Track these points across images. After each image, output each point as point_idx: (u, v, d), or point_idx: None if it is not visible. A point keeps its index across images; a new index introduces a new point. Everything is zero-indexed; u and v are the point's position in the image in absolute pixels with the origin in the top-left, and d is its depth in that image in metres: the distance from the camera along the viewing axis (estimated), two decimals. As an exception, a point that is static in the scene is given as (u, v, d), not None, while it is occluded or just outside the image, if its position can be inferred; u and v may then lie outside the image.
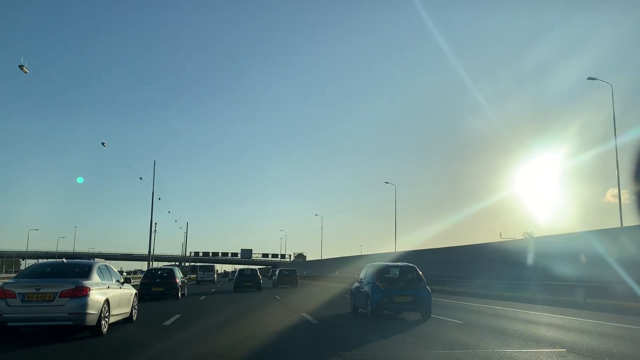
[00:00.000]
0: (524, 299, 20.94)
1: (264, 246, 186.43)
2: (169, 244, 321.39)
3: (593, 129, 68.97)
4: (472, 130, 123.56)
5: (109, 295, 9.70)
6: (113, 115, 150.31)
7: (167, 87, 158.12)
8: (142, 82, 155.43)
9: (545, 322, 12.22)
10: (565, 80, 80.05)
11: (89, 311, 8.78)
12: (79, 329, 9.26)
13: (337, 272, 60.07)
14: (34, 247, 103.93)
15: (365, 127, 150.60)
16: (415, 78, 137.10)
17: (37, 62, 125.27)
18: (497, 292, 24.26)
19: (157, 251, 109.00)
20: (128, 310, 11.21)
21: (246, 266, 57.19)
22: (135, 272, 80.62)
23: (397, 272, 13.41)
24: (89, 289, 8.90)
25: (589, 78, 29.95)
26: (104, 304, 9.28)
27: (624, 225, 24.99)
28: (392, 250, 51.22)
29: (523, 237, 53.33)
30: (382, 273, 12.95)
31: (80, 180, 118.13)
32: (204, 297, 23.42)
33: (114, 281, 10.50)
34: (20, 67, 19.54)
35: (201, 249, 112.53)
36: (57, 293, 8.58)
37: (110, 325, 9.78)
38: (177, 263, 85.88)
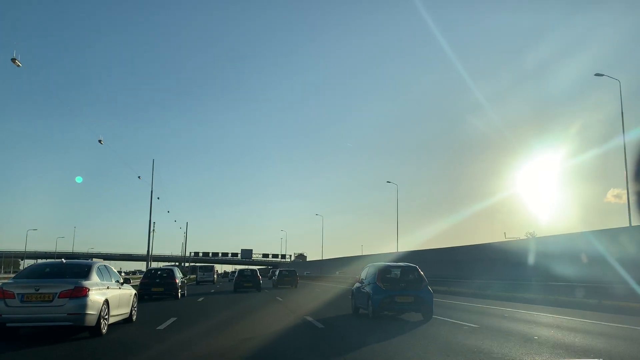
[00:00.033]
0: (531, 300, 20.58)
1: (264, 246, 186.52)
2: (169, 244, 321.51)
3: (593, 128, 68.99)
4: (473, 130, 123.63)
5: (109, 295, 9.65)
6: (113, 115, 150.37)
7: (167, 87, 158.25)
8: (142, 82, 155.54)
9: (567, 326, 11.43)
10: (566, 80, 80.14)
11: (89, 312, 8.74)
12: (78, 330, 9.20)
13: (337, 273, 60.01)
14: (33, 247, 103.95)
15: (365, 127, 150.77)
16: (415, 78, 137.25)
17: (37, 62, 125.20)
18: (501, 292, 23.97)
19: (157, 251, 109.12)
20: (128, 310, 11.16)
21: (246, 266, 57.14)
22: (134, 272, 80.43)
23: (398, 272, 13.34)
24: (89, 290, 8.85)
25: (597, 74, 29.48)
26: (103, 305, 9.23)
27: (633, 224, 24.88)
28: (393, 250, 51.21)
29: (526, 237, 53.23)
30: (384, 273, 12.88)
31: (79, 179, 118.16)
32: (202, 298, 22.94)
33: (114, 281, 10.45)
34: (13, 60, 19.20)
35: (201, 249, 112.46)
36: (57, 293, 8.54)
37: (110, 325, 9.73)
38: (177, 263, 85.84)
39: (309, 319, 12.82)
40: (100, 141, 31.57)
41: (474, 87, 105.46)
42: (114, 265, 18.08)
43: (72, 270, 9.59)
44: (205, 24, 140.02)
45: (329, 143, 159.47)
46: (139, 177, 41.18)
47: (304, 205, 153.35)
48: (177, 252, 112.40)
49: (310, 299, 22.46)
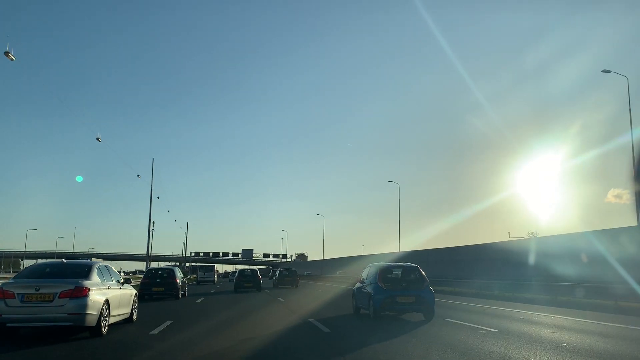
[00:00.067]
0: (536, 300, 20.22)
1: (265, 246, 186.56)
2: (169, 244, 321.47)
3: (594, 128, 68.90)
4: (473, 130, 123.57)
5: (109, 295, 9.63)
6: (113, 115, 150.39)
7: (167, 87, 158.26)
8: (142, 82, 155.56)
9: (595, 330, 10.64)
10: (566, 80, 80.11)
11: (89, 312, 8.71)
12: (79, 330, 9.18)
13: (337, 273, 60.01)
14: (33, 247, 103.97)
15: (366, 126, 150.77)
16: (415, 78, 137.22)
17: (37, 62, 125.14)
18: (504, 292, 23.75)
19: (158, 251, 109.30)
20: (128, 310, 11.14)
21: (246, 266, 57.11)
22: (134, 272, 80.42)
23: (399, 272, 13.31)
24: (89, 290, 8.83)
25: (604, 71, 29.06)
26: (103, 305, 9.21)
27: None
28: (394, 250, 51.16)
29: (527, 237, 53.17)
30: (385, 273, 12.85)
31: (79, 179, 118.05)
32: (201, 298, 22.24)
33: (114, 281, 10.43)
34: (6, 53, 18.97)
35: (202, 249, 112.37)
36: (57, 293, 8.51)
37: (110, 325, 9.71)
38: (178, 263, 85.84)
39: (310, 319, 12.77)
40: (98, 139, 31.30)
41: (474, 87, 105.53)
42: (114, 265, 18.02)
43: (73, 270, 9.57)
44: (205, 24, 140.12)
45: (330, 143, 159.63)
46: (138, 175, 41.21)
47: (305, 205, 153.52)
48: (178, 252, 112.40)
49: (310, 299, 22.42)
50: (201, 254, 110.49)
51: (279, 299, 22.13)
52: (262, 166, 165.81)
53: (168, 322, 11.55)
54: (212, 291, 29.20)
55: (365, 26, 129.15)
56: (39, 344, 8.44)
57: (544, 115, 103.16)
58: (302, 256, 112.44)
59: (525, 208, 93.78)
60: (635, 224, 25.05)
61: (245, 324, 11.72)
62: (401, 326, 11.15)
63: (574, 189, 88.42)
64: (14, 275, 12.99)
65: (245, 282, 30.48)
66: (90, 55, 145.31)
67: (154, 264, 68.52)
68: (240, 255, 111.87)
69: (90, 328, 8.94)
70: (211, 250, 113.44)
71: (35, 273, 9.57)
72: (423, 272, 13.05)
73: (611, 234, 22.23)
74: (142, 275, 26.46)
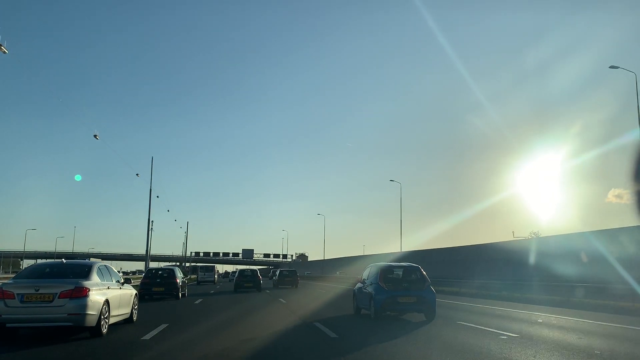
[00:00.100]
0: (554, 302, 19.31)
1: (265, 246, 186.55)
2: (170, 244, 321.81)
3: (594, 128, 68.93)
4: (474, 130, 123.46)
5: (109, 295, 9.59)
6: (113, 115, 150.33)
7: (168, 87, 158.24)
8: (143, 82, 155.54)
9: (622, 335, 10.11)
10: (566, 80, 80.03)
11: (89, 312, 8.68)
12: (79, 330, 9.14)
13: (337, 273, 59.96)
14: (33, 247, 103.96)
15: (366, 127, 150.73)
16: (416, 78, 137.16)
17: (37, 62, 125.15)
18: (515, 293, 23.23)
19: (158, 251, 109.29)
20: (128, 310, 11.10)
21: (247, 267, 57.07)
22: (134, 272, 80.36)
23: (400, 272, 13.27)
24: (89, 290, 8.80)
25: (611, 67, 28.53)
26: (103, 305, 9.18)
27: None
28: (394, 250, 51.08)
29: (529, 237, 53.11)
30: (386, 273, 12.80)
31: (78, 178, 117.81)
32: (200, 300, 21.25)
33: (114, 281, 10.40)
34: None
35: (202, 249, 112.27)
36: (57, 294, 8.48)
37: (110, 326, 9.68)
38: (178, 263, 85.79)
39: (310, 319, 12.75)
40: (95, 136, 31.11)
41: (475, 87, 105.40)
42: (114, 265, 17.89)
43: (73, 270, 9.54)
44: (205, 24, 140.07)
45: (330, 143, 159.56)
46: (137, 174, 41.17)
47: (306, 205, 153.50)
48: (178, 252, 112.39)
49: (310, 299, 22.38)
50: (201, 254, 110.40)
51: (280, 299, 22.07)
52: (262, 166, 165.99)
53: (162, 326, 10.79)
54: (212, 292, 29.05)
55: (365, 26, 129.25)
56: (39, 345, 8.42)
57: (545, 115, 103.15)
58: (302, 256, 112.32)
59: (526, 208, 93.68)
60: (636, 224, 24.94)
61: (245, 325, 11.65)
62: (406, 327, 11.09)
63: (574, 189, 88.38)
64: (13, 275, 12.92)
65: (245, 282, 30.46)
66: (90, 55, 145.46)
67: (154, 264, 68.46)
68: (240, 255, 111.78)
69: (90, 328, 8.91)
70: (211, 250, 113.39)
71: (35, 273, 9.54)
72: (424, 272, 13.00)
73: (611, 234, 22.17)
74: (142, 275, 26.42)
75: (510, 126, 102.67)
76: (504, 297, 22.51)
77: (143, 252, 41.95)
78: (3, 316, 8.33)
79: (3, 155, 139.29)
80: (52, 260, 13.95)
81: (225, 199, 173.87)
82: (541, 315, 14.04)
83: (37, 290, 8.49)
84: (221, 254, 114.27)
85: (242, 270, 33.21)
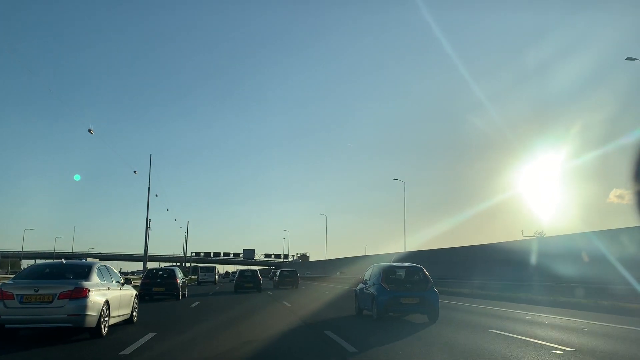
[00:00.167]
0: (575, 305, 18.31)
1: (267, 246, 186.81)
2: (171, 244, 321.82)
3: (594, 129, 68.81)
4: (474, 130, 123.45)
5: (109, 296, 9.52)
6: (113, 115, 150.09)
7: (168, 87, 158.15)
8: (143, 83, 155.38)
9: None
10: (566, 80, 79.91)
11: (89, 313, 8.61)
12: (79, 331, 9.05)
13: (337, 273, 59.86)
14: (32, 247, 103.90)
15: (367, 127, 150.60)
16: (416, 78, 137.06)
17: (37, 62, 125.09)
18: (520, 294, 22.77)
19: (158, 251, 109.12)
20: (128, 311, 11.02)
21: (247, 267, 56.98)
22: (132, 272, 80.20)
23: (403, 273, 13.18)
24: (89, 290, 8.73)
25: (628, 58, 27.93)
26: (103, 306, 9.10)
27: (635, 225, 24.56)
28: (397, 250, 50.92)
29: (534, 237, 52.97)
30: (388, 274, 12.70)
31: (77, 177, 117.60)
32: (197, 302, 19.61)
33: (114, 282, 10.32)
34: None
35: (203, 249, 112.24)
36: (56, 294, 8.41)
37: (110, 326, 9.60)
38: (178, 263, 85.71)
39: (312, 320, 12.68)
40: (90, 131, 30.72)
41: (475, 87, 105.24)
42: (114, 266, 17.69)
43: (72, 270, 9.47)
44: (206, 25, 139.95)
45: (331, 143, 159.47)
46: (134, 171, 41.01)
47: (307, 205, 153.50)
48: (179, 252, 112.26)
49: (311, 300, 22.31)
50: (202, 254, 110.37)
51: (280, 300, 21.98)
52: (263, 166, 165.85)
53: (150, 335, 9.40)
54: (210, 293, 28.40)
55: (366, 26, 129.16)
56: (39, 345, 8.34)
57: (545, 115, 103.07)
58: (303, 256, 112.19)
59: (527, 208, 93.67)
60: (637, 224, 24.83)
61: (245, 326, 11.57)
62: (410, 327, 11.01)
63: (575, 189, 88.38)
64: (13, 275, 12.82)
65: (245, 283, 30.41)
66: (90, 55, 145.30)
67: (154, 265, 68.38)
68: (241, 255, 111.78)
69: (90, 329, 8.83)
70: (212, 250, 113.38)
71: (35, 274, 9.47)
72: (427, 273, 12.90)
73: (612, 234, 22.07)
74: (140, 276, 26.32)
75: (510, 126, 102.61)
76: (518, 299, 21.87)
77: (142, 252, 41.82)
78: (2, 317, 8.26)
79: (3, 155, 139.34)
80: (52, 260, 13.88)
81: (226, 199, 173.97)
82: (577, 321, 12.39)
83: (37, 290, 8.41)
84: (222, 254, 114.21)
85: (242, 271, 33.15)
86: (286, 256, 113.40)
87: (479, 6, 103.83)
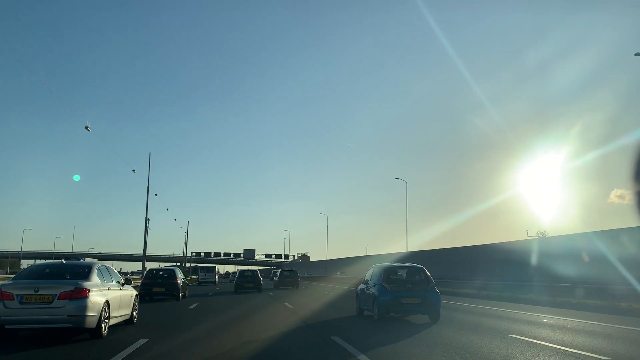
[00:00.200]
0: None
1: (267, 246, 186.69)
2: (170, 245, 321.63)
3: (595, 129, 68.73)
4: (475, 130, 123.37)
5: (109, 296, 9.49)
6: (114, 115, 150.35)
7: (168, 87, 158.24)
8: (143, 82, 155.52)
9: None
10: (567, 80, 79.86)
11: (89, 313, 8.57)
12: (79, 332, 9.03)
13: (338, 273, 59.83)
14: (32, 247, 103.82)
15: (367, 127, 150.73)
16: (417, 78, 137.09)
17: (37, 62, 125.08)
18: (523, 294, 22.71)
19: (158, 251, 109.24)
20: (128, 311, 10.99)
21: (247, 267, 56.94)
22: (131, 273, 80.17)
23: (404, 273, 13.14)
24: (89, 291, 8.69)
25: (637, 54, 27.89)
26: (104, 306, 9.07)
27: (635, 225, 24.51)
28: (398, 250, 50.88)
29: (537, 237, 52.92)
30: (389, 274, 12.65)
31: (76, 178, 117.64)
32: (195, 304, 18.82)
33: (114, 282, 10.29)
34: None
35: (203, 250, 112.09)
36: (56, 295, 8.38)
37: (110, 327, 9.57)
38: (178, 264, 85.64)
39: (312, 320, 12.65)
40: (87, 128, 30.65)
41: (475, 87, 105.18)
42: (114, 266, 17.61)
43: (72, 271, 9.43)
44: (206, 25, 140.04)
45: (331, 143, 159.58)
46: (133, 170, 40.96)
47: (308, 205, 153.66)
48: (179, 252, 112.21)
49: (311, 300, 22.27)
50: (202, 255, 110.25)
51: (280, 300, 21.96)
52: (263, 166, 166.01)
53: (150, 335, 9.32)
54: (210, 294, 27.97)
55: (366, 26, 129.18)
56: (38, 346, 8.31)
57: (545, 115, 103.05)
58: (304, 257, 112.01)
59: (528, 208, 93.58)
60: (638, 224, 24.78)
61: (245, 326, 11.54)
62: (413, 330, 10.97)
63: (576, 189, 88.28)
64: (12, 276, 12.78)
65: (245, 283, 30.41)
66: (90, 55, 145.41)
67: (155, 265, 68.31)
68: (242, 255, 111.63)
69: (90, 330, 8.80)
70: (212, 250, 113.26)
71: (35, 274, 9.42)
72: (428, 273, 12.86)
73: (613, 235, 22.03)
74: (139, 276, 26.26)
75: (511, 126, 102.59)
76: (525, 299, 21.76)
77: (142, 252, 41.78)
78: (2, 317, 8.23)
79: (3, 155, 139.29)
80: (52, 260, 13.82)
81: (227, 199, 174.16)
82: (604, 326, 11.52)
83: (37, 291, 8.38)
84: (222, 255, 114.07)
85: (242, 271, 33.16)
86: (287, 256, 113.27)
87: (479, 6, 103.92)
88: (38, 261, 60.22)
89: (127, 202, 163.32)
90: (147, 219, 39.76)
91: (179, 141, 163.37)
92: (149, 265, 55.05)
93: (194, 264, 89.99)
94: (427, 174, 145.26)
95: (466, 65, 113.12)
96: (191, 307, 17.57)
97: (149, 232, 40.12)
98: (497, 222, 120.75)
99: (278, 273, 40.28)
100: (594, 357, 7.38)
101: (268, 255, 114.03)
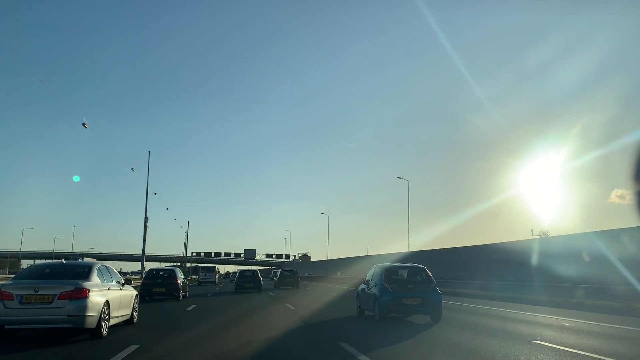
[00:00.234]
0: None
1: (268, 246, 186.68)
2: (171, 244, 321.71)
3: (595, 129, 68.61)
4: (475, 130, 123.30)
5: (109, 296, 9.47)
6: (114, 115, 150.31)
7: (168, 87, 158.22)
8: (143, 82, 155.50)
9: None
10: (567, 80, 79.78)
11: (89, 313, 8.56)
12: (79, 332, 9.01)
13: (338, 274, 59.80)
14: (32, 247, 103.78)
15: (368, 127, 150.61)
16: (417, 78, 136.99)
17: (37, 62, 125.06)
18: (525, 294, 22.52)
19: (158, 251, 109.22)
20: (128, 312, 10.97)
21: (247, 267, 56.94)
22: (130, 273, 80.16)
23: (405, 273, 13.10)
24: (89, 291, 8.68)
25: None
26: (104, 306, 9.05)
27: (634, 225, 24.48)
28: (399, 250, 50.84)
29: (540, 236, 52.88)
30: (390, 274, 12.62)
31: (76, 178, 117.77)
32: (193, 306, 18.02)
33: (114, 282, 10.27)
34: None
35: (203, 249, 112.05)
36: (56, 295, 8.36)
37: (110, 327, 9.55)
38: (178, 264, 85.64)
39: (313, 320, 12.62)
40: (84, 124, 30.58)
41: (476, 87, 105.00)
42: (114, 266, 17.54)
43: (72, 271, 9.41)
44: (206, 26, 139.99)
45: (332, 143, 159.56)
46: (132, 168, 40.99)
47: (308, 205, 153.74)
48: (179, 252, 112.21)
49: (311, 300, 22.26)
50: (202, 254, 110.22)
51: (280, 300, 21.95)
52: (264, 166, 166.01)
53: (150, 335, 9.37)
54: (210, 294, 27.84)
55: (367, 27, 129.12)
56: (38, 346, 8.29)
57: (545, 115, 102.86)
58: (305, 257, 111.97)
59: (528, 208, 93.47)
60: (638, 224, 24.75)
61: (245, 326, 11.52)
62: (414, 330, 10.95)
63: (576, 189, 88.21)
64: (12, 276, 12.76)
65: (245, 283, 30.42)
66: (90, 55, 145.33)
67: (155, 265, 68.30)
68: (242, 255, 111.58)
69: (90, 330, 8.79)
70: (213, 250, 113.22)
71: (35, 274, 9.39)
72: (430, 273, 12.83)
73: (613, 235, 22.00)
74: (139, 276, 26.25)
75: (511, 126, 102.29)
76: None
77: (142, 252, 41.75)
78: (2, 317, 8.21)
79: (3, 155, 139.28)
80: (52, 260, 13.81)
81: (227, 199, 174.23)
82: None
83: (37, 291, 8.36)
84: (222, 255, 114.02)
85: (242, 271, 33.16)
86: (287, 256, 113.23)
87: (479, 6, 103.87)
88: (38, 261, 60.30)
89: (127, 202, 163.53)
90: (146, 218, 39.76)
91: (179, 141, 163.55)
92: (149, 265, 55.06)
93: (194, 264, 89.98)
94: (428, 174, 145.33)
95: (466, 65, 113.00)
96: (191, 307, 17.52)
97: (149, 232, 40.15)
98: (498, 222, 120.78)
99: (278, 273, 40.27)
100: (595, 358, 7.37)
101: (268, 255, 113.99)
